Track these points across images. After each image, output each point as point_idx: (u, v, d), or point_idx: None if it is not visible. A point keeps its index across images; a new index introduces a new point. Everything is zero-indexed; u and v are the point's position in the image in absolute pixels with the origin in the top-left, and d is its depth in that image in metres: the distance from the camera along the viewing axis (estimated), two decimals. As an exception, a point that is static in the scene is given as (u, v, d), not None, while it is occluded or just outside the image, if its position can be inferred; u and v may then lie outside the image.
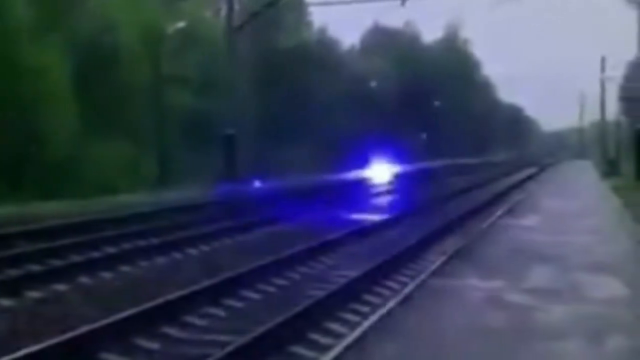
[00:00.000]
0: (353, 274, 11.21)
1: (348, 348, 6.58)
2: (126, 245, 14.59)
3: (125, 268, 12.52)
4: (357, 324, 8.10)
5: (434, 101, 72.58)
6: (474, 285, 9.30)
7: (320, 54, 54.80)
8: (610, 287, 9.23)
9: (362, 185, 35.05)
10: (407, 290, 9.17)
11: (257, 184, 32.39)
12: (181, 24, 34.64)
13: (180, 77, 36.07)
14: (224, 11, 41.33)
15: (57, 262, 12.68)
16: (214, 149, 34.59)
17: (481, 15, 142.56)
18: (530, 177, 46.21)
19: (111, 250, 14.07)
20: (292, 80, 47.33)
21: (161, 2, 39.58)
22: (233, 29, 35.57)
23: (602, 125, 67.94)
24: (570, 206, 21.44)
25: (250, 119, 40.60)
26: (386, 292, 10.67)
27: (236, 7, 39.54)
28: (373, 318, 7.69)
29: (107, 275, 11.96)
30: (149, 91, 33.60)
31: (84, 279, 11.53)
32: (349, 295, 9.98)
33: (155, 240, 15.11)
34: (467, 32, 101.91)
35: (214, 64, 37.55)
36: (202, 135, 36.53)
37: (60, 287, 10.97)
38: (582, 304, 8.29)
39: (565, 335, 6.94)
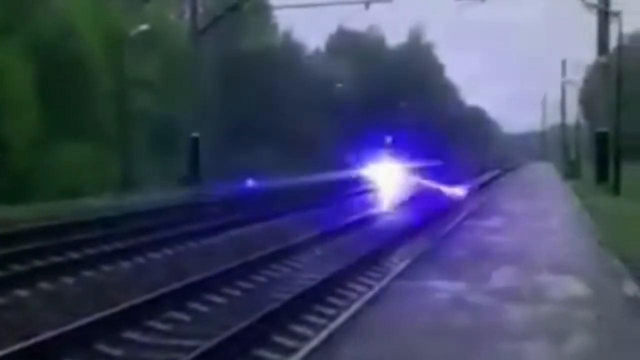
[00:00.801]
0: (319, 276, 11.23)
1: (314, 350, 6.59)
2: (90, 250, 14.48)
3: (88, 273, 12.39)
4: (323, 327, 8.10)
5: (399, 104, 72.80)
6: (438, 287, 9.36)
7: (285, 57, 54.76)
8: (572, 288, 9.34)
9: (330, 187, 35.00)
10: (372, 292, 9.21)
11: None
12: (144, 27, 34.28)
13: (143, 80, 35.74)
14: (187, 14, 41.17)
15: (19, 268, 12.52)
16: (178, 152, 34.41)
17: (445, 19, 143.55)
18: (494, 178, 46.63)
19: (75, 255, 13.92)
20: (257, 83, 47.24)
21: (124, 4, 39.22)
22: (197, 32, 35.48)
23: (562, 128, 68.85)
24: (533, 208, 21.68)
25: (215, 122, 40.42)
26: (352, 294, 10.69)
27: (200, 10, 39.49)
28: (339, 320, 7.70)
29: (69, 280, 11.83)
30: (112, 94, 33.27)
31: (46, 285, 11.38)
32: (315, 297, 10.00)
33: (119, 245, 15.00)
34: (431, 36, 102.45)
35: (178, 67, 37.33)
36: (166, 138, 36.30)
37: (22, 292, 10.82)
38: (545, 304, 8.39)
39: (528, 335, 7.02)
